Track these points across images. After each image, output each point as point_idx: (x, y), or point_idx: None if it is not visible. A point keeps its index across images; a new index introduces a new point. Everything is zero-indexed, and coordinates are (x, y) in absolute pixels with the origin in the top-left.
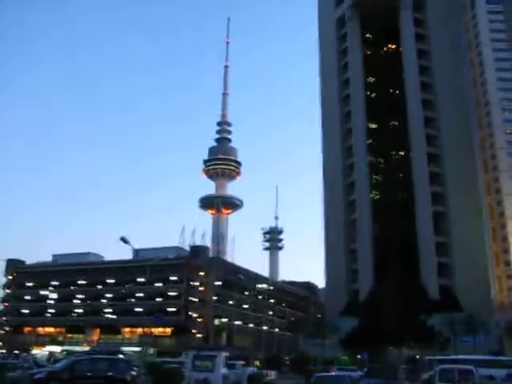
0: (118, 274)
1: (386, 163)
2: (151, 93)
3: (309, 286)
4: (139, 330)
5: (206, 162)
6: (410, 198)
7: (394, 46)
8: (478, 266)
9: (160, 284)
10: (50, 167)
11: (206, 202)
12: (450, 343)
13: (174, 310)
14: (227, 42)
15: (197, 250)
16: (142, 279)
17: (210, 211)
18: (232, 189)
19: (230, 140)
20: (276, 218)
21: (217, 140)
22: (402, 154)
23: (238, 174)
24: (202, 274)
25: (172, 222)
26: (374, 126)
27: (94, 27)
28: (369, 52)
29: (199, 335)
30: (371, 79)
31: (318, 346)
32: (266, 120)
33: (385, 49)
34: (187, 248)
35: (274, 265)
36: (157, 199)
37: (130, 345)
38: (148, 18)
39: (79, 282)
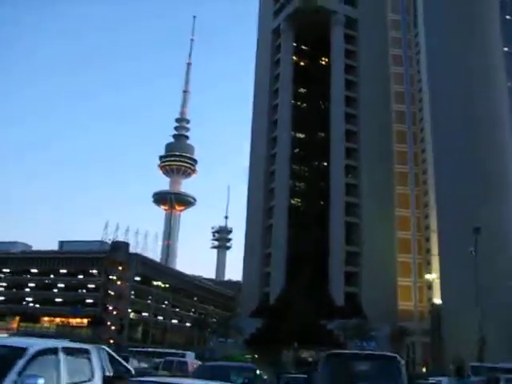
0: (41, 265)
1: (309, 172)
2: (111, 85)
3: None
4: (58, 319)
5: (161, 157)
6: (328, 208)
7: (326, 60)
8: (386, 276)
9: (81, 276)
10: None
11: (160, 198)
12: (344, 347)
13: (91, 301)
14: (192, 40)
15: (117, 246)
16: (64, 270)
17: (163, 207)
18: (187, 186)
19: (187, 137)
20: (226, 217)
21: (174, 136)
22: (325, 164)
23: (194, 171)
24: (120, 268)
25: (124, 217)
26: (301, 135)
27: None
28: (303, 64)
29: (114, 327)
30: (303, 90)
31: (224, 344)
32: (225, 119)
33: (319, 61)
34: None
35: (221, 264)
36: (109, 193)
37: (47, 333)
38: (108, 11)
39: (3, 270)
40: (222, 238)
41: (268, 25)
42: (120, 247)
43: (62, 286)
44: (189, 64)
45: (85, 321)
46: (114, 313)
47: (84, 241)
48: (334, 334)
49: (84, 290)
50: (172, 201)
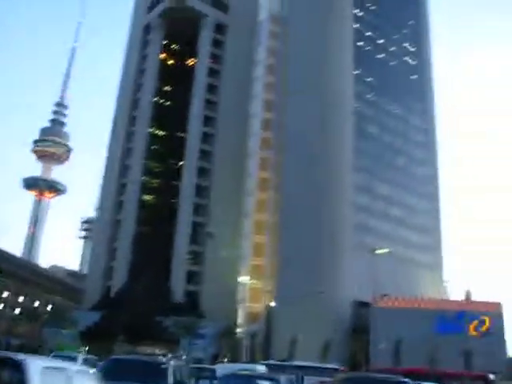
0: None
1: (164, 170)
2: None
3: None
4: None
5: (35, 141)
6: (177, 206)
7: (194, 61)
8: (228, 277)
9: None
10: None
11: (30, 183)
12: (178, 344)
13: None
14: (79, 22)
15: None
16: None
17: (32, 192)
18: (59, 173)
19: (64, 123)
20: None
21: (51, 121)
22: (180, 163)
23: (67, 158)
24: None
25: None
26: (161, 132)
27: None
28: (170, 62)
29: None
30: (168, 88)
31: (58, 335)
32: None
33: (186, 62)
34: None
35: (86, 256)
36: None
37: None
38: None
39: None
40: (89, 228)
41: (140, 21)
42: None
43: None
44: (74, 48)
45: None
46: None
47: None
48: (169, 331)
49: None
50: (42, 187)
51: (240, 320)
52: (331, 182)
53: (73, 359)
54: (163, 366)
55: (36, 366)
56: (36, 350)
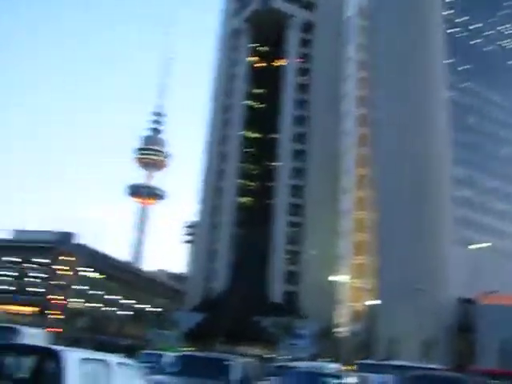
0: None
1: (258, 171)
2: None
3: None
4: (5, 307)
5: (137, 150)
6: (273, 207)
7: (282, 62)
8: (326, 277)
9: (28, 265)
10: None
11: (133, 191)
12: (277, 344)
13: (38, 290)
14: (169, 32)
15: (66, 236)
16: (12, 258)
17: (136, 199)
18: (160, 180)
19: (163, 131)
20: None
21: (151, 130)
22: (274, 164)
23: (167, 165)
24: (66, 258)
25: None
26: (254, 135)
27: None
28: (259, 65)
29: (57, 316)
30: (259, 90)
31: (161, 336)
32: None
33: (274, 63)
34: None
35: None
36: (85, 184)
37: None
38: None
39: None
40: (193, 232)
41: (228, 26)
42: (67, 237)
43: (9, 273)
44: (171, 58)
45: (29, 309)
46: (59, 302)
47: (37, 230)
48: (268, 331)
49: (31, 279)
50: (145, 194)
51: (340, 319)
52: (429, 176)
53: (159, 357)
54: (226, 363)
55: (73, 357)
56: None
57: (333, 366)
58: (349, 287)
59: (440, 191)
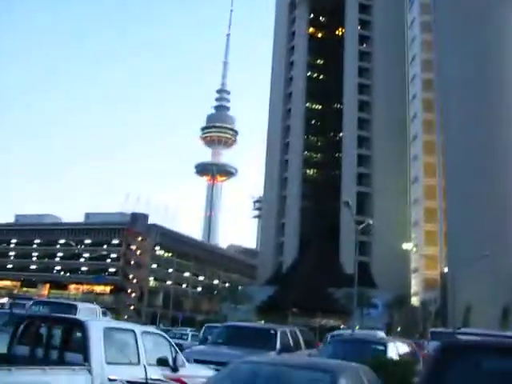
0: (69, 235)
1: (323, 143)
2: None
3: None
4: (83, 287)
5: (203, 128)
6: (340, 178)
7: (342, 30)
8: (398, 246)
9: (104, 246)
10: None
11: (201, 169)
12: (351, 314)
13: (113, 270)
14: (231, 10)
15: (137, 217)
16: (89, 241)
17: (205, 177)
18: (228, 157)
19: (228, 108)
20: None
21: (215, 108)
22: (340, 135)
23: (235, 142)
24: (139, 238)
25: (168, 186)
26: (317, 106)
27: None
28: (318, 35)
29: (134, 295)
30: (320, 61)
31: (235, 310)
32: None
33: (334, 33)
34: None
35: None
36: (152, 164)
37: (75, 300)
38: None
39: (36, 241)
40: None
41: None
42: (139, 218)
43: (87, 255)
44: (228, 35)
45: (107, 288)
46: (134, 281)
47: (108, 212)
48: (341, 303)
49: (107, 260)
50: (214, 172)
51: (415, 288)
52: (499, 142)
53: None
54: (271, 332)
55: (97, 326)
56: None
57: (381, 335)
58: (421, 255)
59: (510, 157)
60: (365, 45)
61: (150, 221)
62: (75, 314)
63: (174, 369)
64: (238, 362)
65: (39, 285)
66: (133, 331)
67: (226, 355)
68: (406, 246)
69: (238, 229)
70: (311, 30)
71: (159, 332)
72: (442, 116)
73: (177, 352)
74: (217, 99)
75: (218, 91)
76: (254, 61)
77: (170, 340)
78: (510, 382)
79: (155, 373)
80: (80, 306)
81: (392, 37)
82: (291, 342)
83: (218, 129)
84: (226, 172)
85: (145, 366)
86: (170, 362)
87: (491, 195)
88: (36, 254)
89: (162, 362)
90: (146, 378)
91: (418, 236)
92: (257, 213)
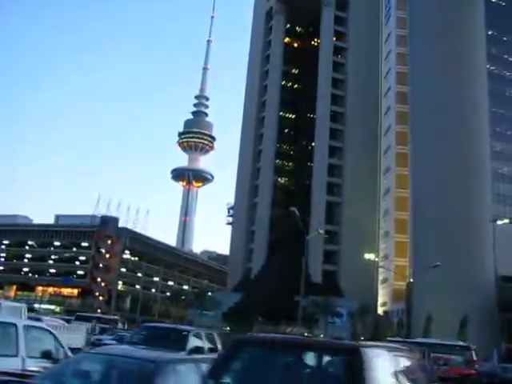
0: (38, 237)
1: (295, 152)
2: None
3: None
4: (50, 289)
5: (180, 134)
6: (311, 187)
7: (318, 41)
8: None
9: (73, 249)
10: None
11: (177, 174)
12: (316, 323)
13: (82, 273)
14: (212, 17)
15: (107, 220)
16: (58, 243)
17: (181, 183)
18: (205, 162)
19: (206, 114)
20: None
21: (193, 113)
22: (312, 144)
23: (212, 148)
24: (109, 242)
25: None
26: (291, 115)
27: None
28: (294, 45)
29: (102, 298)
30: (295, 71)
31: (201, 316)
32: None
33: (310, 43)
34: None
35: None
36: (127, 168)
37: (42, 302)
38: None
39: (3, 241)
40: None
41: (262, 8)
42: (109, 221)
43: (56, 257)
44: (209, 41)
45: (75, 291)
46: (103, 284)
47: (78, 215)
48: (308, 311)
49: (76, 262)
50: (190, 177)
51: (384, 298)
52: (469, 152)
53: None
54: (184, 333)
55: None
56: None
57: None
58: (390, 266)
59: (480, 166)
60: (340, 56)
61: (122, 225)
62: None
63: (56, 361)
64: (81, 353)
65: (6, 286)
66: (14, 325)
67: None
68: (369, 256)
69: (213, 235)
70: (287, 39)
71: (45, 327)
72: (413, 128)
73: (62, 346)
74: (195, 105)
75: (197, 97)
76: (234, 67)
77: (56, 334)
78: (269, 363)
79: (35, 365)
80: (3, 304)
81: (367, 49)
82: (206, 344)
83: (196, 134)
84: (202, 178)
85: (23, 358)
86: (54, 354)
87: (459, 207)
88: (3, 254)
89: (44, 355)
90: (23, 370)
91: (389, 247)
92: (231, 219)
